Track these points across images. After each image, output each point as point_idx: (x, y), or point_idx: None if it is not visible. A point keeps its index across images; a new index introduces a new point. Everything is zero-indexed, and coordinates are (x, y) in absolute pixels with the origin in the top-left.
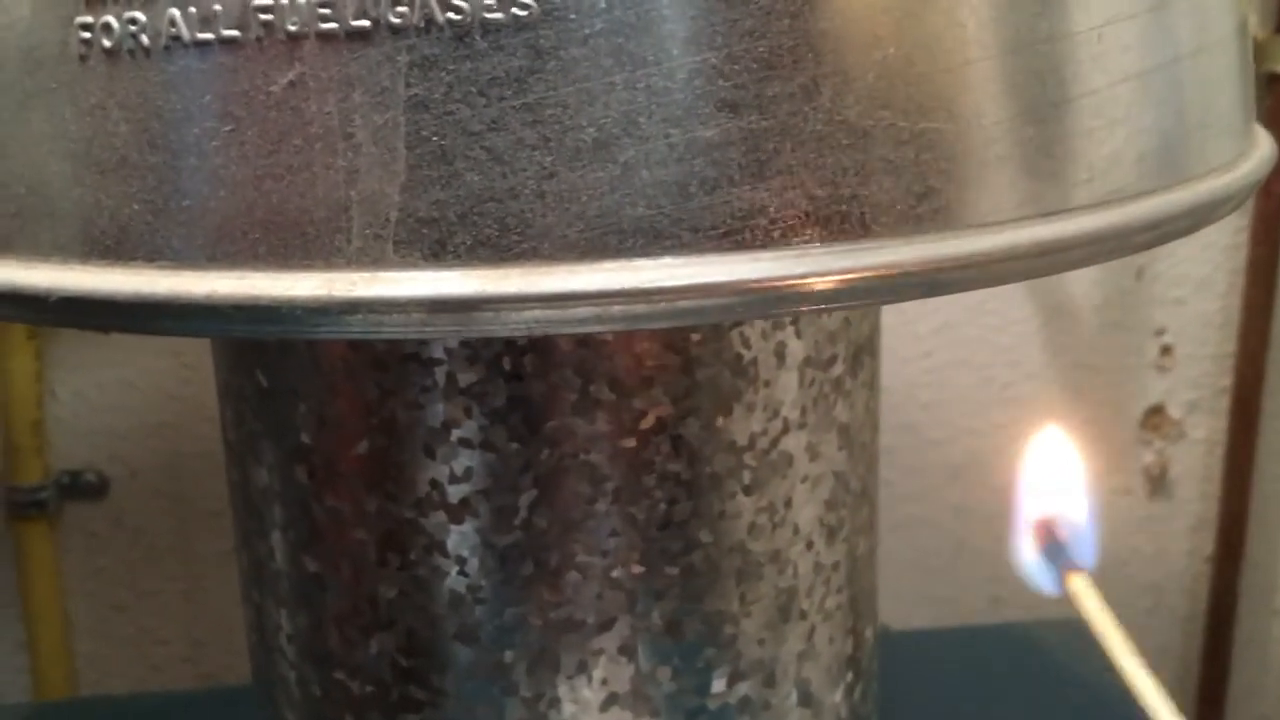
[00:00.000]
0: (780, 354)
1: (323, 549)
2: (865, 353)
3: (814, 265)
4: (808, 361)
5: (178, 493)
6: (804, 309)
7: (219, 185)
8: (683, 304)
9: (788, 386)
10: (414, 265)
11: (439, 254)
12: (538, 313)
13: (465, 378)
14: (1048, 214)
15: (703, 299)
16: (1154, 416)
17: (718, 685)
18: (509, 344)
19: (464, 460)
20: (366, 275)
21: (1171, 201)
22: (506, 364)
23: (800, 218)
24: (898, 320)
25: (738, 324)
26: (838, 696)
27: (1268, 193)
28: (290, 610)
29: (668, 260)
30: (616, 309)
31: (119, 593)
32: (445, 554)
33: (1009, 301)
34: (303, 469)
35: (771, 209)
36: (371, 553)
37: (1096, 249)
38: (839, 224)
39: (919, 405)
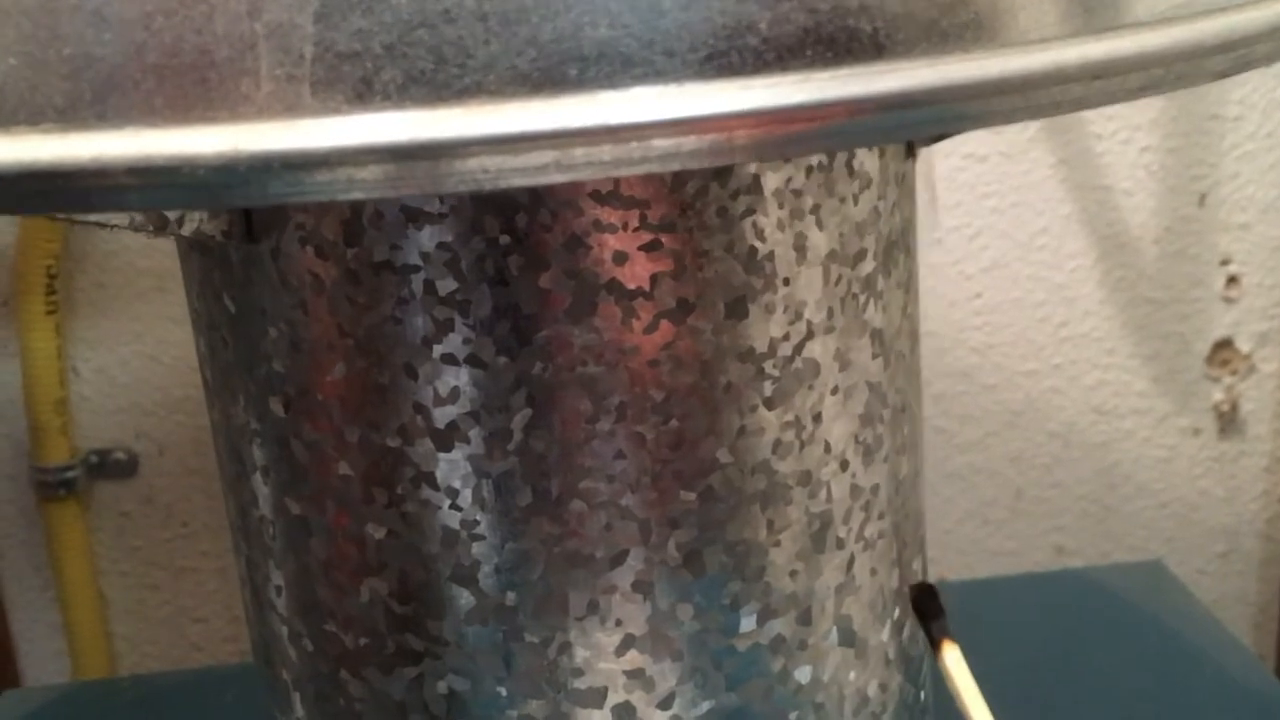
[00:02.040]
0: (801, 247)
1: (305, 489)
2: (899, 249)
3: (817, 93)
4: (832, 256)
5: (208, 468)
6: (806, 149)
7: (103, 26)
8: (658, 144)
9: (811, 285)
10: (336, 110)
11: (365, 95)
12: (485, 160)
13: (445, 285)
14: (1101, 30)
15: (682, 138)
16: (1222, 351)
17: (746, 623)
18: (491, 244)
19: (449, 379)
20: (281, 125)
21: (1252, 19)
22: (490, 267)
23: (799, 36)
24: (944, 260)
25: (749, 211)
26: (884, 635)
27: None
28: (277, 559)
29: (639, 92)
30: (579, 153)
31: (154, 572)
32: (435, 486)
33: (1062, 235)
34: (278, 401)
35: (763, 25)
36: (356, 489)
37: (1160, 74)
38: (846, 43)
39: (971, 349)
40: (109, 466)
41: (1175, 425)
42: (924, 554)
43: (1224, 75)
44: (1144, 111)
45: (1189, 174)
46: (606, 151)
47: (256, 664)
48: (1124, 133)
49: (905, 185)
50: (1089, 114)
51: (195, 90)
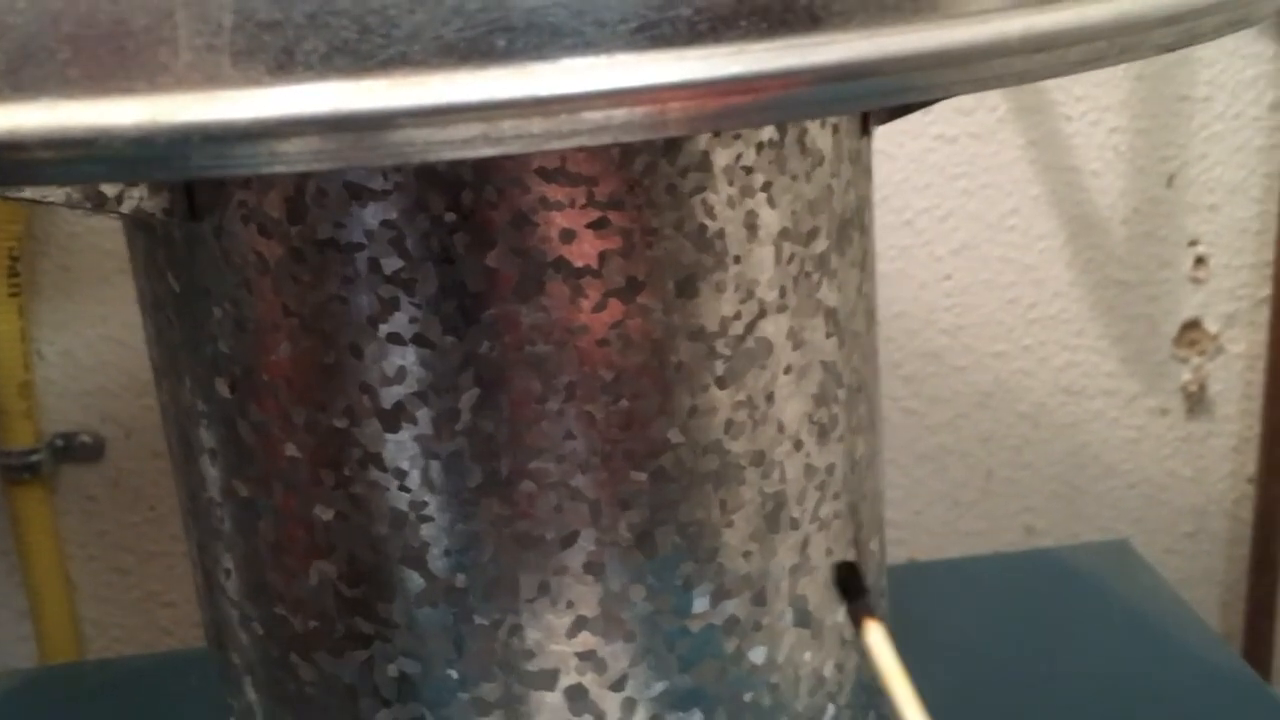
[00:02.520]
0: (752, 225)
1: (252, 471)
2: (853, 227)
3: (752, 65)
4: (785, 234)
5: None
6: (742, 122)
7: None
8: (589, 117)
9: (762, 263)
10: (257, 81)
11: (287, 65)
12: (411, 133)
13: (390, 264)
14: (1043, 2)
15: (614, 110)
16: (1190, 331)
17: (699, 604)
18: (437, 222)
19: (395, 359)
20: (200, 96)
21: None
22: (435, 245)
23: (733, 6)
24: (914, 242)
25: (699, 189)
26: (840, 615)
27: None
28: (226, 542)
29: (569, 63)
30: (507, 126)
31: (122, 556)
32: (382, 467)
33: (1031, 217)
34: (224, 382)
35: None
36: (304, 471)
37: (1104, 47)
38: (781, 14)
39: (941, 331)
40: (75, 450)
41: (1144, 406)
42: (882, 534)
43: (1169, 49)
44: (1113, 92)
45: (1157, 155)
46: (536, 124)
47: (209, 648)
48: (1093, 114)
49: (860, 163)
50: (1058, 95)
51: (112, 60)
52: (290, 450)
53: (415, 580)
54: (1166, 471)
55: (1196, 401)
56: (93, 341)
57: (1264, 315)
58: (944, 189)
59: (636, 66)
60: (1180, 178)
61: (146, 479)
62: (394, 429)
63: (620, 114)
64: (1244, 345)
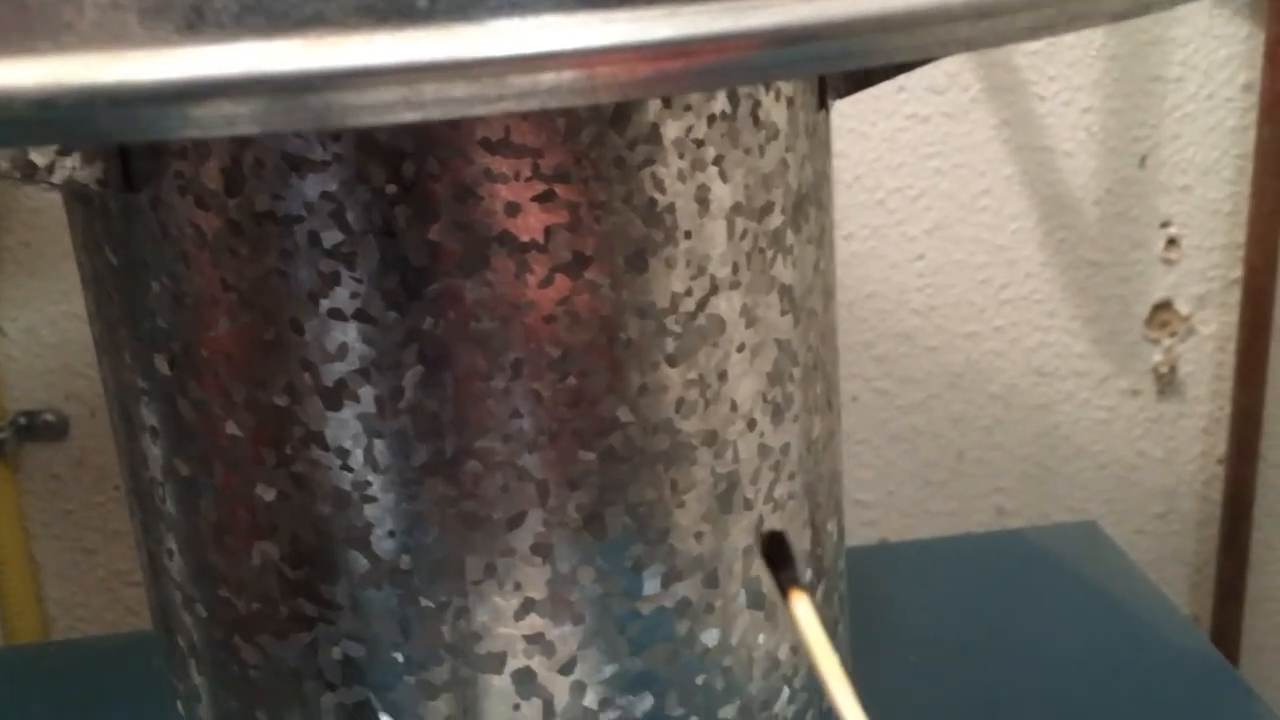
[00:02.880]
0: (703, 199)
1: (193, 449)
2: (810, 203)
3: (686, 29)
4: (737, 209)
5: None
6: (675, 88)
7: None
8: (515, 81)
9: (714, 239)
10: (165, 41)
11: (196, 24)
12: (327, 97)
13: (330, 237)
14: None
15: (540, 74)
16: (1162, 313)
17: (650, 586)
18: (377, 194)
19: (337, 335)
20: (106, 56)
21: None
22: (376, 218)
23: None
24: (886, 221)
25: (648, 161)
26: None
27: (1276, 67)
28: (168, 523)
29: (495, 25)
30: (429, 90)
31: (87, 535)
32: (324, 446)
33: (1004, 197)
34: (163, 358)
35: None
36: (245, 449)
37: (1053, 14)
38: None
39: (913, 311)
40: (38, 428)
41: (1115, 387)
42: (840, 516)
43: (1122, 17)
44: (1085, 73)
45: (1130, 135)
46: (459, 89)
47: (156, 630)
48: (1066, 94)
49: (817, 137)
50: (1031, 75)
51: (13, 19)
52: (231, 428)
53: (359, 561)
54: (1137, 452)
55: (1167, 383)
56: (56, 319)
57: (1235, 297)
58: (917, 169)
59: (564, 29)
60: (1153, 158)
61: (111, 458)
62: (336, 407)
63: (547, 78)
64: (1215, 326)
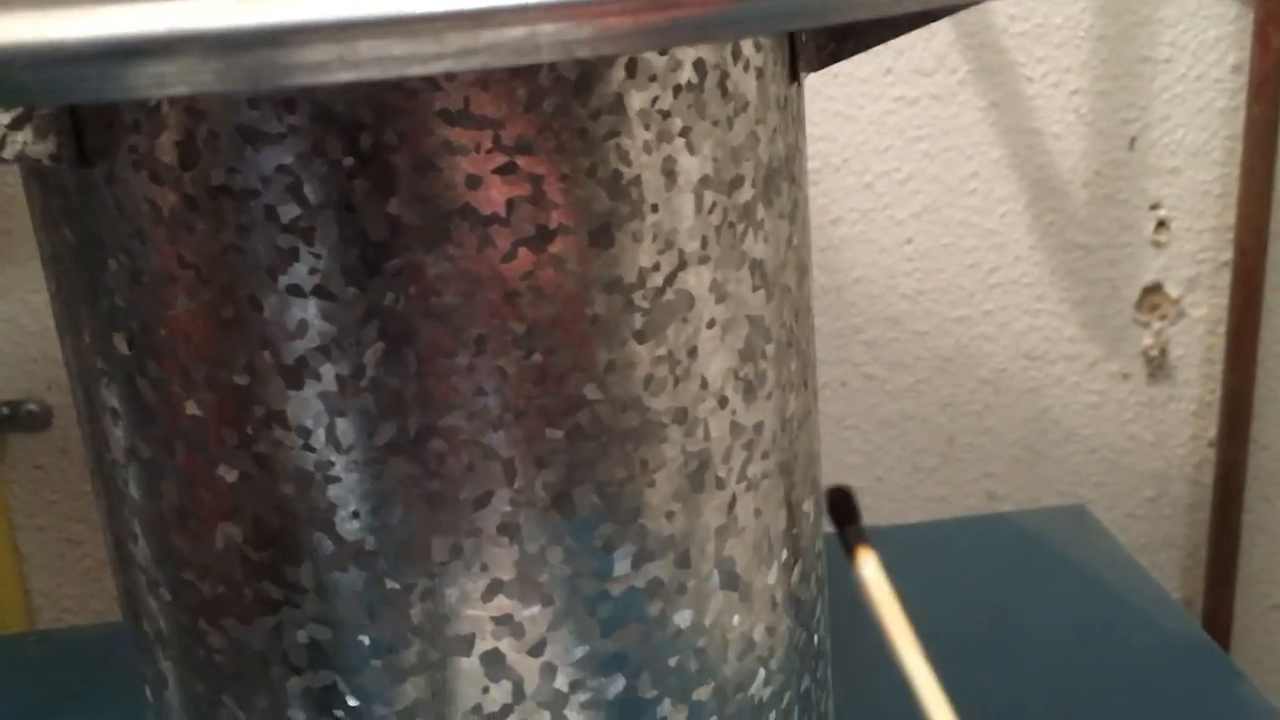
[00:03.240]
0: (670, 172)
1: (154, 430)
2: (782, 177)
3: None
4: (706, 182)
5: None
6: (625, 47)
7: None
8: (454, 39)
9: (682, 212)
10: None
11: None
12: (260, 55)
13: (287, 211)
14: None
15: (480, 31)
16: (1151, 296)
17: (621, 567)
18: (335, 167)
19: (296, 312)
20: (26, 15)
21: None
22: (334, 192)
23: None
24: (874, 205)
25: (612, 133)
26: (770, 578)
27: (1266, 47)
28: (131, 506)
29: None
30: (365, 47)
31: (72, 526)
32: (286, 425)
33: (992, 180)
34: (121, 337)
35: None
36: (206, 430)
37: None
38: None
39: (902, 295)
40: (22, 418)
41: (1105, 370)
42: (818, 495)
43: None
44: (1074, 54)
45: (1119, 117)
46: (396, 46)
47: (123, 616)
48: (1054, 76)
49: (789, 110)
50: (1019, 57)
51: None
52: (191, 408)
53: (323, 543)
54: (1127, 436)
55: (1158, 366)
56: (38, 307)
57: (1225, 279)
58: (904, 152)
59: None
60: (1142, 140)
61: None
62: (297, 385)
63: (488, 35)
64: (1205, 309)
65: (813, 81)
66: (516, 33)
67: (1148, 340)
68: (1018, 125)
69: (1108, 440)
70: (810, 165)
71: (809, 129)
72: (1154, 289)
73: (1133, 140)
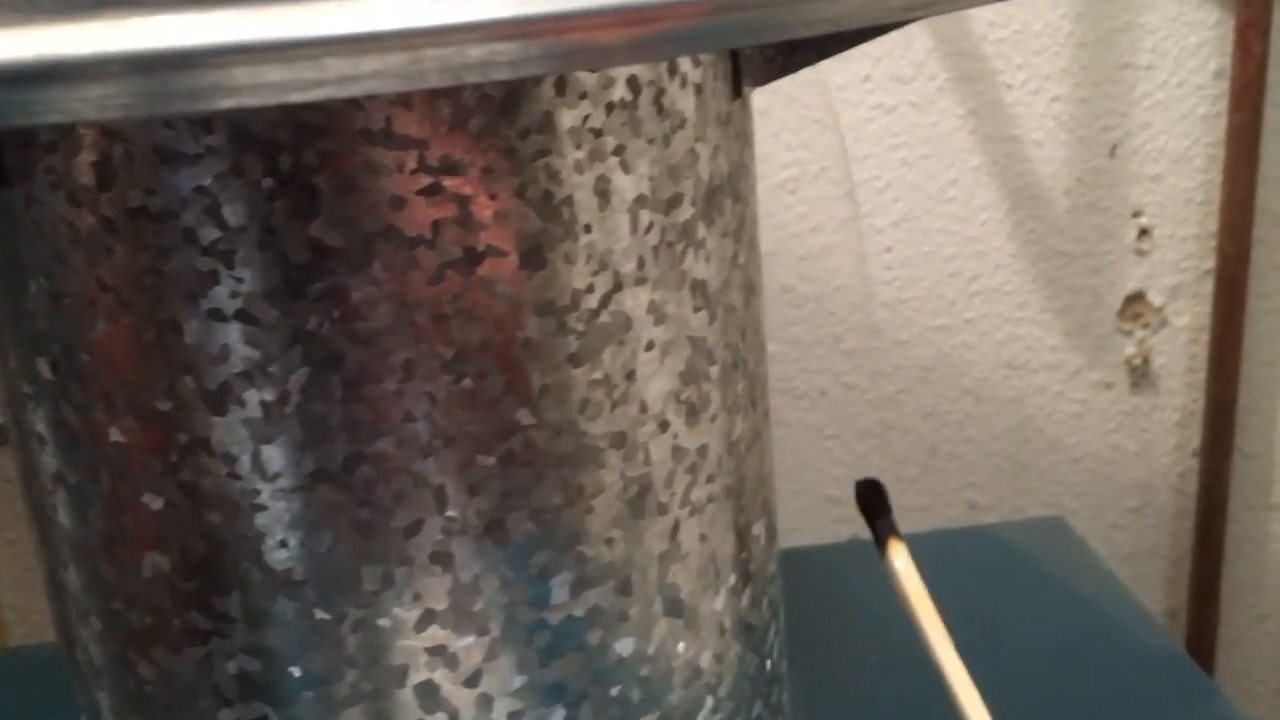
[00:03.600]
0: (604, 192)
1: (80, 456)
2: (724, 194)
3: (527, 8)
4: (642, 202)
5: None
6: (520, 70)
7: None
8: (333, 65)
9: (617, 232)
10: None
11: None
12: (130, 83)
13: (206, 234)
14: None
15: (361, 58)
16: (1134, 304)
17: (559, 595)
18: (254, 188)
19: (218, 336)
20: None
21: None
22: (253, 214)
23: None
24: (853, 214)
25: (542, 152)
26: (718, 604)
27: (1247, 53)
28: (60, 534)
29: (314, 6)
30: (241, 74)
31: None
32: (210, 452)
33: (972, 188)
34: (45, 361)
35: None
36: (130, 456)
37: None
38: None
39: (882, 304)
40: None
41: (1087, 380)
42: (770, 517)
43: None
44: (1053, 60)
45: (1100, 124)
46: (274, 73)
47: (59, 644)
48: (1034, 82)
49: (731, 127)
50: (998, 64)
51: None
52: (115, 434)
53: (251, 573)
54: (1111, 446)
55: (1141, 375)
56: None
57: (1208, 287)
58: (883, 159)
59: (388, 9)
60: (1123, 147)
61: None
62: (220, 412)
63: (370, 62)
64: (1188, 318)
65: (789, 89)
66: (400, 58)
67: (1130, 349)
68: (997, 133)
69: (1091, 450)
70: (788, 174)
71: (787, 138)
72: (1136, 297)
73: (1114, 147)
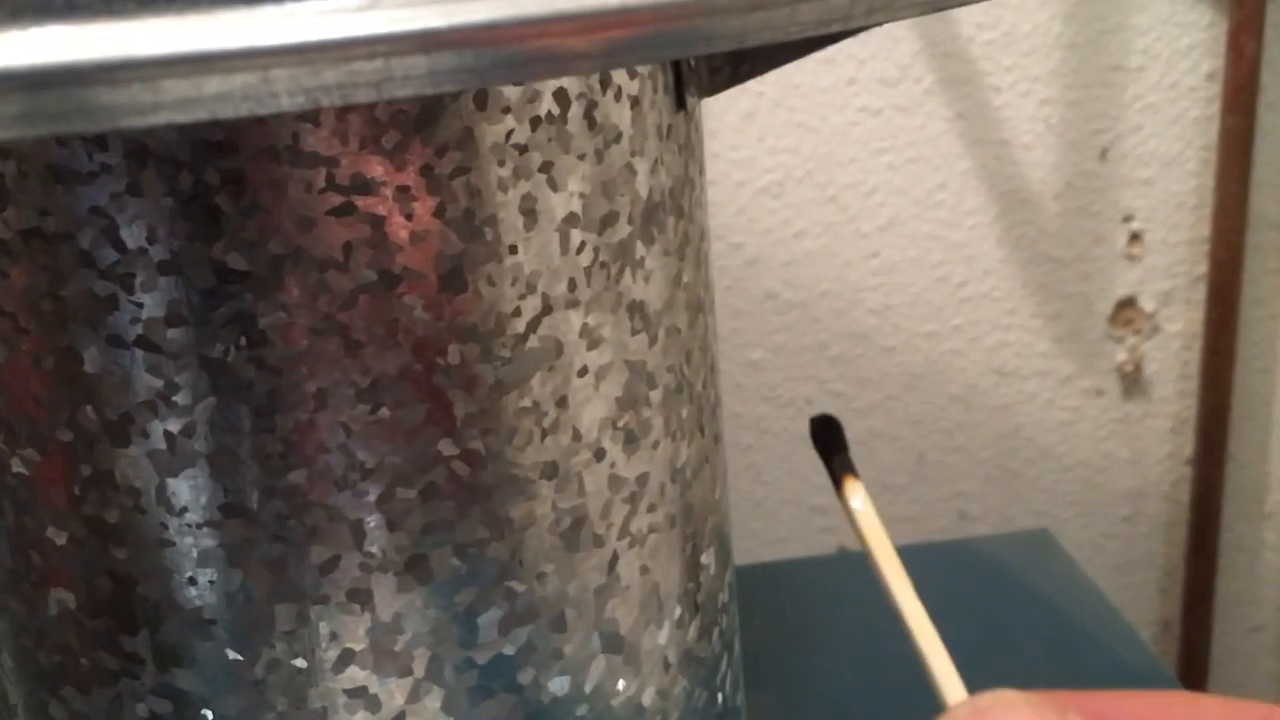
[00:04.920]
0: (530, 211)
1: None
2: (667, 211)
3: (380, 27)
4: (572, 220)
5: None
6: (370, 94)
7: None
8: (174, 89)
9: (545, 253)
10: None
11: None
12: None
13: (104, 256)
14: None
15: (203, 78)
16: (1125, 310)
17: (486, 633)
18: (153, 208)
19: (118, 364)
20: None
21: None
22: (153, 235)
23: None
24: (839, 219)
25: (461, 170)
26: (661, 638)
27: (1239, 55)
28: None
29: (150, 23)
30: (100, 97)
31: None
32: (114, 486)
33: (960, 192)
34: None
35: None
36: (33, 490)
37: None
38: None
39: (869, 310)
40: None
41: (1078, 387)
42: (722, 544)
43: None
44: (1043, 62)
45: (1090, 127)
46: (102, 96)
47: None
48: (1023, 85)
49: (674, 139)
50: (986, 66)
51: None
52: (17, 466)
53: (159, 611)
54: (1102, 454)
55: (1132, 382)
56: None
57: (1201, 293)
58: (869, 163)
59: (229, 26)
60: (1114, 151)
61: None
62: (123, 443)
63: (214, 83)
64: (1181, 324)
65: (773, 92)
66: (248, 79)
67: (1122, 355)
68: (986, 136)
69: (1082, 458)
70: (772, 178)
71: (770, 141)
72: (1128, 303)
73: (1105, 151)
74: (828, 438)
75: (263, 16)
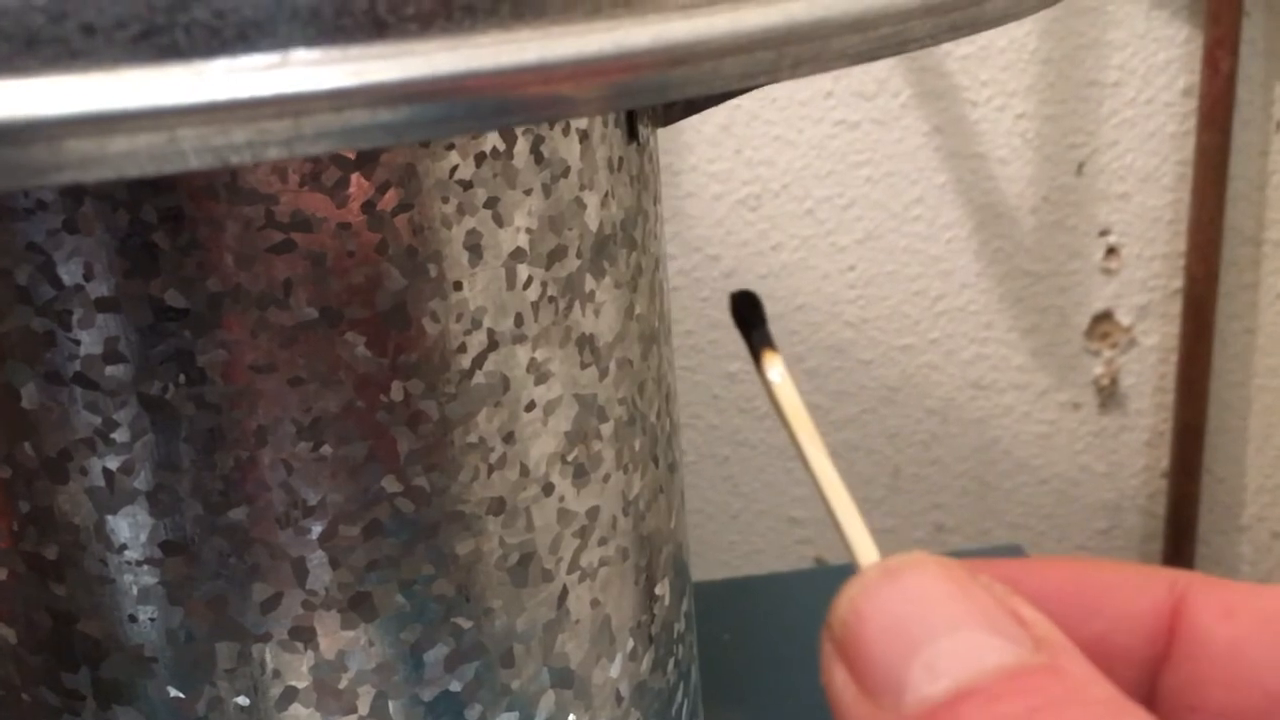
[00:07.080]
0: (474, 246)
1: None
2: (617, 244)
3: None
4: (519, 255)
5: None
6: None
7: None
8: (76, 149)
9: (490, 289)
10: None
11: None
12: None
13: (40, 293)
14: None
15: (106, 138)
16: (1102, 324)
17: (432, 671)
18: (90, 245)
19: (56, 400)
20: None
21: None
22: (89, 272)
23: (270, 8)
24: (816, 232)
25: (404, 207)
26: (613, 671)
27: (1215, 71)
28: None
29: (44, 82)
30: (73, 151)
31: None
32: (52, 521)
33: (937, 206)
34: None
35: None
36: None
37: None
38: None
39: (845, 324)
40: None
41: (1055, 400)
42: (677, 574)
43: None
44: (1020, 77)
45: (1066, 142)
46: (4, 154)
47: None
48: (999, 99)
49: (625, 171)
50: (963, 80)
51: None
52: None
53: (99, 648)
54: (1079, 467)
55: (1109, 395)
56: None
57: (1177, 307)
58: (846, 177)
59: (135, 84)
60: (1090, 165)
61: None
62: (61, 480)
63: (119, 143)
64: (1157, 338)
65: (750, 105)
66: (153, 139)
67: (1098, 369)
68: (962, 150)
69: (1058, 471)
70: (749, 190)
71: (748, 154)
72: (1104, 317)
73: (1081, 165)
74: (748, 312)
75: (169, 75)
